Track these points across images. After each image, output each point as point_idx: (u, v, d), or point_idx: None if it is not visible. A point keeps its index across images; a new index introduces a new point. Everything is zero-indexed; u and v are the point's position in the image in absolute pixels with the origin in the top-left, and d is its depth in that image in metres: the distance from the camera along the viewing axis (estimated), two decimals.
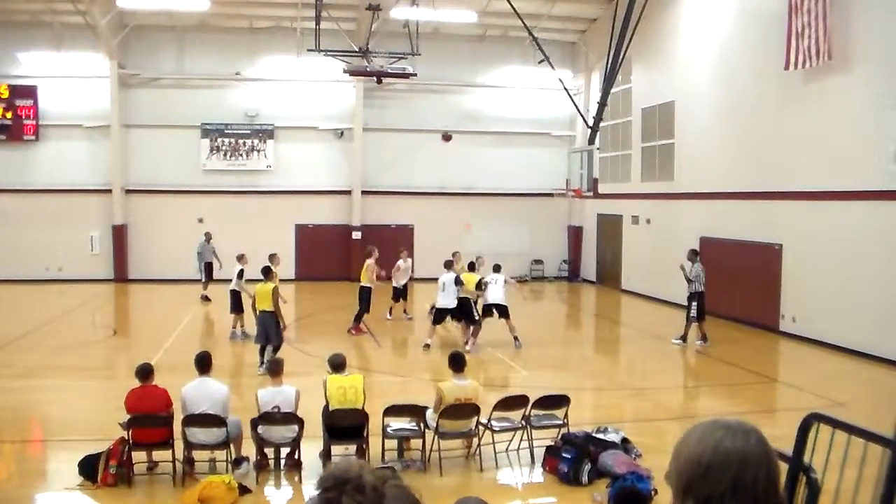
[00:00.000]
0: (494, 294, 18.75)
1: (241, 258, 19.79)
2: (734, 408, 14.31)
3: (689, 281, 18.73)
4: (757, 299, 19.19)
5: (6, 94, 29.30)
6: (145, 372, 10.00)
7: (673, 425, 12.36)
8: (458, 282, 18.33)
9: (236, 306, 19.41)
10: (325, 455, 10.17)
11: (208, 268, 25.85)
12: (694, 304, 18.64)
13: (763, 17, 20.91)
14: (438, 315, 18.86)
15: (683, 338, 19.02)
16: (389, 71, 24.21)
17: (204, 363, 10.15)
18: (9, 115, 29.37)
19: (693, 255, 19.00)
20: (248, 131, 31.25)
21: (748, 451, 2.18)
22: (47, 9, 28.25)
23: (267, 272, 16.46)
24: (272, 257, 18.25)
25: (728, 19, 22.74)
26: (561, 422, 10.80)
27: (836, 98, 18.32)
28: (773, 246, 20.46)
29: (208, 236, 26.31)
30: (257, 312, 15.97)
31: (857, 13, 17.71)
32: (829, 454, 5.28)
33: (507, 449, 10.68)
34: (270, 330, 15.78)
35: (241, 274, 19.40)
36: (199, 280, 26.06)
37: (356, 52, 24.77)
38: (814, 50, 18.36)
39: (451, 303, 18.44)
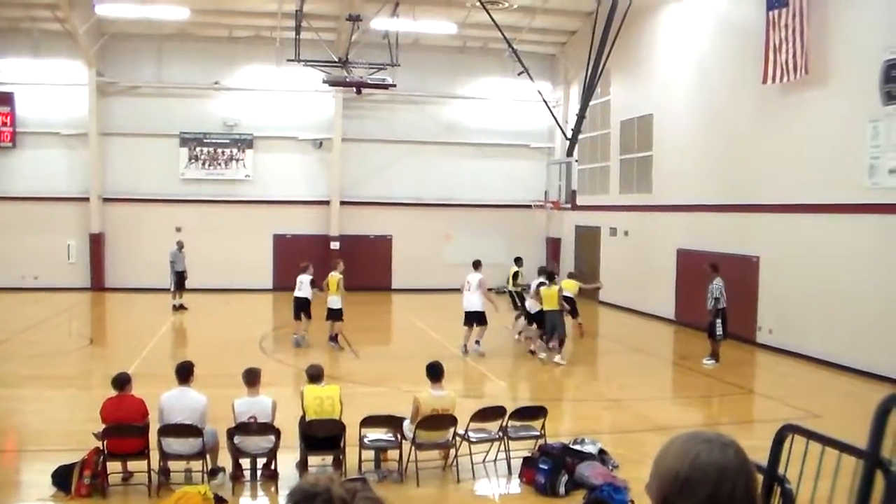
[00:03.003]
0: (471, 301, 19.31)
1: (306, 268, 20.21)
2: (711, 419, 14.39)
3: (715, 299, 18.15)
4: (734, 311, 19.24)
5: None
6: (122, 381, 9.93)
7: (650, 436, 12.37)
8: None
9: (307, 314, 19.84)
10: (302, 466, 10.14)
11: (179, 277, 25.69)
12: (719, 321, 18.12)
13: (741, 31, 21.09)
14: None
15: (715, 356, 18.36)
16: (369, 81, 24.26)
17: (185, 373, 10.07)
18: None
19: (713, 269, 18.57)
20: (227, 141, 31.16)
21: (726, 464, 2.18)
22: (25, 15, 28.10)
23: (552, 277, 19.03)
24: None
25: (706, 33, 22.91)
26: (538, 433, 10.79)
27: (813, 112, 18.47)
28: (751, 258, 20.58)
29: (180, 245, 26.12)
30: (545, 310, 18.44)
31: (834, 28, 17.87)
32: (804, 465, 5.31)
33: (484, 460, 10.65)
34: (557, 324, 18.20)
35: (313, 283, 19.87)
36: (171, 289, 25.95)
37: (336, 62, 24.80)
38: (791, 64, 18.53)
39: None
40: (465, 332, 19.41)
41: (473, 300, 19.25)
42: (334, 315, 19.43)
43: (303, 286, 19.88)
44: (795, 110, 19.08)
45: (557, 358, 18.21)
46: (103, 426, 9.52)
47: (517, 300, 22.05)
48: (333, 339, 19.59)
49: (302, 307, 19.82)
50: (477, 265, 19.92)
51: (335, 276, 19.49)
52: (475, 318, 19.32)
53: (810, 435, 5.30)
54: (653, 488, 2.29)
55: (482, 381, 17.13)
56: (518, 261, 22.88)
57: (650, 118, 25.97)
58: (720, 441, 2.25)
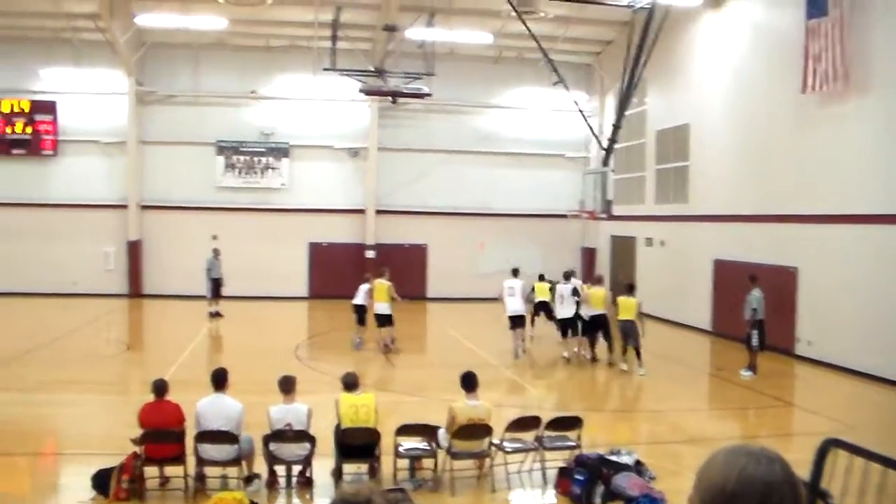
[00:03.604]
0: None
1: (368, 279, 20.99)
2: (749, 431, 14.25)
3: (753, 310, 18.01)
4: (772, 322, 19.06)
5: (27, 110, 29.54)
6: (160, 387, 10.02)
7: (687, 448, 12.29)
8: (575, 292, 19.78)
9: (362, 320, 20.84)
10: (337, 474, 10.16)
11: (216, 284, 25.83)
12: (755, 332, 17.99)
13: (778, 40, 20.92)
14: (563, 326, 20.14)
15: (752, 368, 18.20)
16: (405, 91, 24.28)
17: (220, 380, 10.13)
18: (29, 129, 29.62)
19: (752, 280, 18.49)
20: (264, 149, 31.36)
21: (773, 479, 2.15)
22: (68, 26, 28.50)
23: (630, 288, 19.20)
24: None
25: (743, 42, 22.76)
26: (574, 443, 10.75)
27: (853, 121, 18.29)
28: (789, 269, 20.37)
29: (217, 252, 26.26)
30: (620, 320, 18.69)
31: (873, 37, 17.69)
32: (847, 480, 5.23)
33: (519, 470, 10.61)
34: (632, 334, 18.32)
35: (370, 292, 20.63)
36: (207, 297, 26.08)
37: (372, 71, 24.88)
38: (830, 73, 18.35)
39: (569, 313, 19.74)
40: (513, 336, 20.08)
41: (521, 304, 20.07)
42: (385, 320, 20.08)
43: (360, 294, 20.69)
44: (834, 120, 18.91)
45: (641, 371, 18.31)
46: (141, 431, 9.61)
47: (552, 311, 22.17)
48: (387, 344, 20.20)
49: (360, 313, 20.72)
50: (517, 272, 20.90)
51: (383, 284, 20.04)
52: (522, 322, 20.14)
53: (854, 449, 5.22)
54: (696, 502, 2.26)
55: (517, 390, 17.11)
56: (542, 277, 23.12)
57: (686, 128, 25.82)
58: (766, 455, 2.21)
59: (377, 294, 20.08)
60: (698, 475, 2.26)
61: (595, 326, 19.52)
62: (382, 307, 19.96)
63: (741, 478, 2.15)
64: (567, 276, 20.37)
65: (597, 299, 19.30)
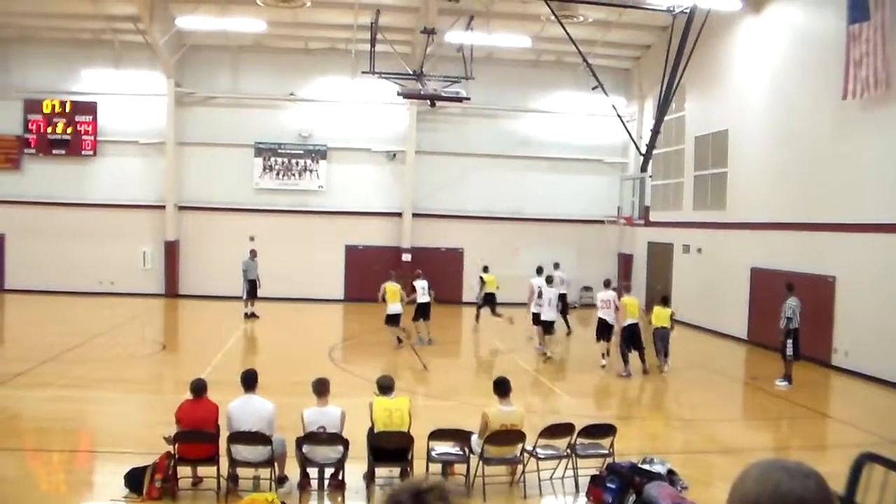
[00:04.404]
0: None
1: (420, 275, 22.52)
2: (783, 442, 14.12)
3: (788, 319, 17.84)
4: (808, 332, 18.85)
5: (67, 110, 29.98)
6: (199, 387, 10.08)
7: (720, 458, 12.18)
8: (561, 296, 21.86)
9: (426, 316, 22.07)
10: (369, 477, 10.16)
11: (252, 285, 25.99)
12: (790, 341, 17.79)
13: (819, 45, 20.69)
14: (547, 326, 20.83)
15: (788, 378, 17.98)
16: (443, 94, 24.23)
17: (250, 381, 10.18)
18: (69, 130, 30.04)
19: (788, 288, 18.30)
20: (301, 151, 31.53)
21: (806, 495, 2.12)
22: (109, 28, 28.85)
23: (665, 300, 20.04)
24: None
25: (783, 48, 22.55)
26: (606, 451, 10.70)
27: (894, 128, 18.04)
28: (827, 278, 20.15)
29: (253, 253, 26.42)
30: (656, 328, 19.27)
31: None
32: (882, 494, 5.16)
33: (551, 477, 10.57)
34: (667, 342, 19.14)
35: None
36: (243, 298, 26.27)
37: (410, 74, 24.87)
38: (872, 79, 18.13)
39: (552, 316, 20.80)
40: (545, 339, 20.95)
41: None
42: (399, 319, 21.33)
43: (420, 292, 21.98)
44: (875, 126, 18.67)
45: (666, 368, 19.17)
46: (175, 430, 9.68)
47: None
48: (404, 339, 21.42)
49: (423, 311, 22.03)
50: (542, 270, 22.65)
51: (395, 286, 21.27)
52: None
53: (890, 464, 5.15)
54: None
55: (550, 397, 17.03)
56: (486, 269, 25.82)
57: (725, 134, 25.63)
58: (800, 470, 2.19)
59: (390, 296, 20.97)
60: (732, 489, 2.24)
61: (630, 335, 19.18)
62: (396, 307, 20.97)
63: (775, 494, 2.13)
64: (549, 279, 21.15)
65: (632, 308, 19.13)
